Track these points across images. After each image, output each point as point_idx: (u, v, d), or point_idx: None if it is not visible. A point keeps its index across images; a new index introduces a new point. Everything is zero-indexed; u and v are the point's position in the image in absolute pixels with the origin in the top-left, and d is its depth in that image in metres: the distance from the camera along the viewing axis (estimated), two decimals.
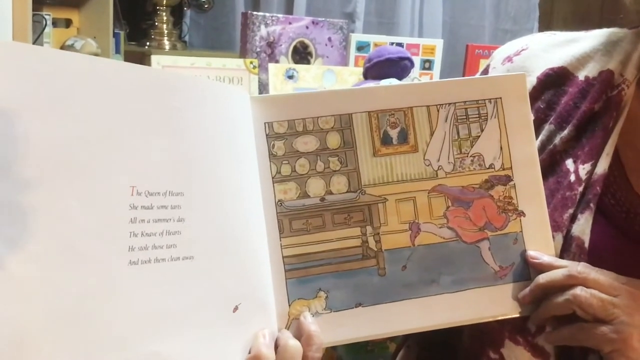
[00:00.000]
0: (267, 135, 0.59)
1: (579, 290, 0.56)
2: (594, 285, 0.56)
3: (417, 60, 1.76)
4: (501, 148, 0.62)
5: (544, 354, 0.62)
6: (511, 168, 0.62)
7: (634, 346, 0.55)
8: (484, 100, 0.62)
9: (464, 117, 0.61)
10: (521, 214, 0.62)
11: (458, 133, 0.61)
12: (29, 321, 0.42)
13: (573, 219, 0.63)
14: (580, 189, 0.63)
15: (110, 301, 0.45)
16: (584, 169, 0.64)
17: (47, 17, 1.75)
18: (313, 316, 0.57)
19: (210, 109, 0.54)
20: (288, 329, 0.57)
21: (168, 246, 0.49)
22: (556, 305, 0.58)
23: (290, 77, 1.58)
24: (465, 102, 0.62)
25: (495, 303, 0.61)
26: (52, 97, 0.44)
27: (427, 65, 1.80)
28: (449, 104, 0.61)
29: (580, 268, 0.57)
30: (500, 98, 0.62)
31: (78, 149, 0.45)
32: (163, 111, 0.50)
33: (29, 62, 0.44)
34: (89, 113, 0.46)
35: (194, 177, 0.52)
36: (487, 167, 0.62)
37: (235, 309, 0.53)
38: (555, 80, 0.69)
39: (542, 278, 0.59)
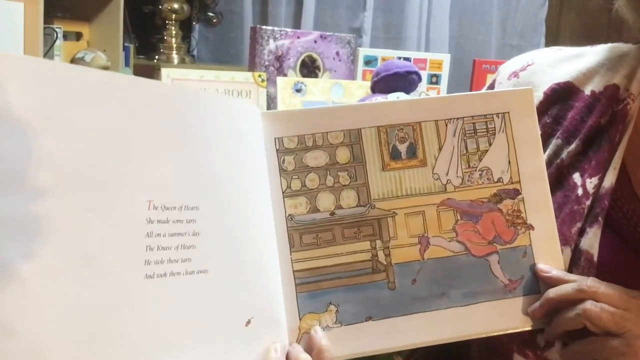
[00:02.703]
0: (277, 150, 0.59)
1: (589, 305, 0.56)
2: (604, 299, 0.57)
3: (424, 75, 1.77)
4: (509, 162, 0.62)
5: None
6: (519, 182, 0.62)
7: None
8: (492, 114, 0.62)
9: (472, 131, 0.62)
10: (530, 227, 0.62)
11: (466, 147, 0.62)
12: (45, 334, 0.42)
13: (581, 232, 0.63)
14: (588, 202, 0.64)
15: (126, 314, 0.45)
16: (591, 183, 0.64)
17: (57, 30, 1.77)
18: (323, 330, 0.57)
19: (224, 123, 0.54)
20: (299, 343, 0.57)
21: (183, 260, 0.49)
22: (567, 320, 0.58)
23: (299, 90, 1.59)
24: (473, 116, 0.62)
25: (505, 316, 0.61)
26: (70, 112, 0.45)
27: (434, 79, 1.81)
28: (457, 118, 0.62)
29: (589, 282, 0.58)
30: (508, 112, 0.62)
31: (96, 163, 0.46)
32: (179, 126, 0.51)
33: (47, 77, 0.44)
34: (107, 127, 0.47)
35: (208, 191, 0.52)
36: (496, 181, 0.62)
37: (248, 322, 0.53)
38: (561, 95, 0.70)
39: (552, 292, 0.59)
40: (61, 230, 0.43)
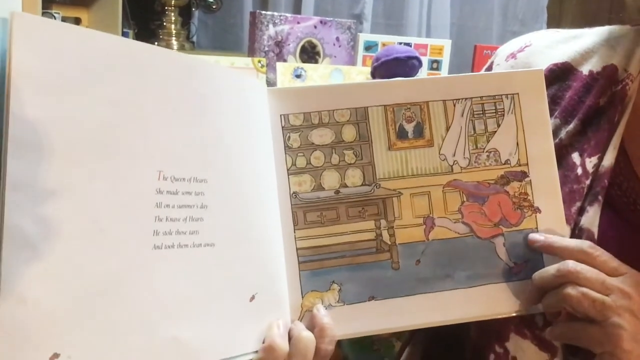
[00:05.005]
0: (282, 127, 0.59)
1: (569, 289, 0.55)
2: (585, 284, 0.55)
3: (425, 61, 1.76)
4: (517, 144, 0.61)
5: (551, 347, 0.61)
6: (527, 164, 0.61)
7: (624, 348, 0.53)
8: (501, 95, 0.62)
9: (481, 112, 0.61)
10: (537, 210, 0.61)
11: (474, 128, 0.61)
12: (58, 301, 0.41)
13: (581, 211, 0.63)
14: (588, 182, 0.63)
15: (134, 284, 0.45)
16: (590, 162, 0.64)
17: (56, 15, 1.75)
18: (326, 309, 0.57)
19: (232, 97, 0.54)
20: (301, 321, 0.57)
21: (191, 232, 0.49)
22: (549, 303, 0.58)
23: (298, 76, 1.58)
24: (482, 97, 0.61)
25: (509, 299, 0.60)
26: (85, 77, 0.44)
27: (435, 65, 1.80)
28: (466, 98, 0.61)
29: (570, 266, 0.56)
30: (517, 94, 0.62)
31: (108, 131, 0.45)
32: (190, 97, 0.50)
33: (64, 40, 0.43)
34: (121, 95, 0.46)
35: (217, 164, 0.51)
36: (503, 162, 0.61)
37: (252, 298, 0.53)
38: (559, 75, 0.70)
39: (535, 278, 0.59)
40: (71, 197, 0.43)
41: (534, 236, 0.61)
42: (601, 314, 0.54)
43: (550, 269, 0.58)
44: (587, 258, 0.57)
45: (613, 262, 0.57)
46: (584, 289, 0.55)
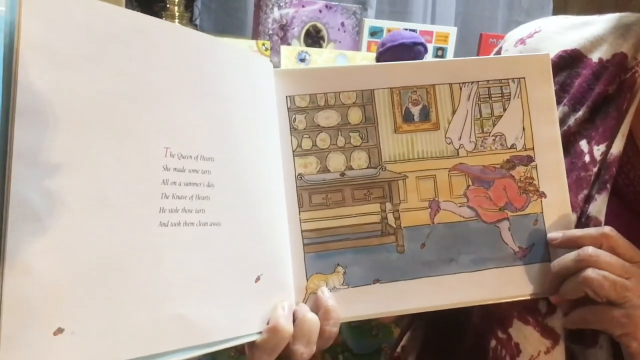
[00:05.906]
0: (288, 108, 0.58)
1: (590, 272, 0.56)
2: (606, 267, 0.56)
3: (430, 48, 1.75)
4: (523, 128, 0.61)
5: (554, 334, 0.62)
6: (533, 149, 0.61)
7: None
8: (507, 79, 0.61)
9: (487, 96, 0.61)
10: (542, 195, 0.61)
11: (480, 112, 0.61)
12: (62, 275, 0.41)
13: (588, 199, 0.63)
14: (595, 169, 0.63)
15: (140, 260, 0.45)
16: (598, 150, 0.64)
17: None
18: (331, 291, 0.57)
19: (239, 75, 0.53)
20: (305, 303, 0.57)
21: (197, 211, 0.49)
22: (570, 289, 0.58)
23: (302, 60, 1.57)
24: (489, 81, 0.61)
25: (513, 284, 0.60)
26: (94, 49, 0.44)
27: (440, 52, 1.79)
28: (472, 82, 0.61)
29: (590, 251, 0.57)
30: (524, 78, 0.61)
31: (117, 104, 0.44)
32: (198, 74, 0.50)
33: (71, 12, 0.43)
34: (128, 69, 0.45)
35: (224, 143, 0.51)
36: (509, 147, 0.61)
37: (257, 279, 0.53)
38: (568, 62, 0.70)
39: (555, 265, 0.59)
40: (78, 171, 0.42)
41: (552, 235, 0.61)
42: (622, 296, 0.55)
43: (570, 255, 0.58)
44: (608, 241, 0.57)
45: (632, 249, 0.57)
46: (605, 272, 0.55)
